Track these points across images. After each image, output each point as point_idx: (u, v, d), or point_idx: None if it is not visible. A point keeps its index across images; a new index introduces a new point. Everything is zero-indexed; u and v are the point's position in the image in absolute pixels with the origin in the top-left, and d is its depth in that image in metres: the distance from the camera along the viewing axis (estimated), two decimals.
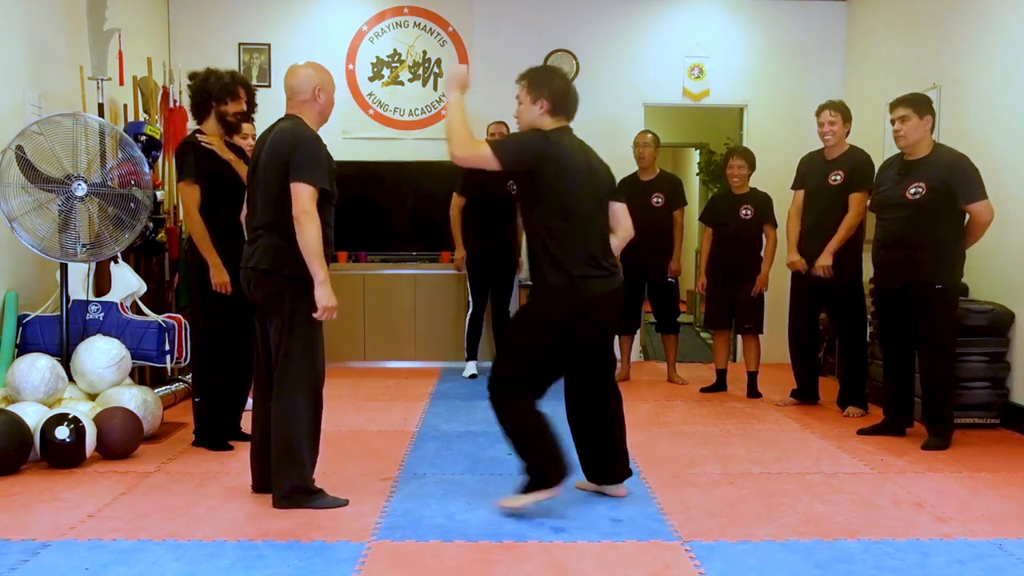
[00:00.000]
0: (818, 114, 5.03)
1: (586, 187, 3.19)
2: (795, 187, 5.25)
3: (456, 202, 6.14)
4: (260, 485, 3.39)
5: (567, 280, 3.13)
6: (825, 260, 4.87)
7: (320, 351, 3.26)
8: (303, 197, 3.08)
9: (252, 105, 4.12)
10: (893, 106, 4.33)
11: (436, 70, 6.95)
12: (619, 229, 3.37)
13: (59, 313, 4.32)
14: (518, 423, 3.18)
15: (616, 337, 6.21)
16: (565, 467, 3.18)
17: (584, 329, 3.19)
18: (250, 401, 4.44)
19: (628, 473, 3.43)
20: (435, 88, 6.98)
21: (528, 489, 3.17)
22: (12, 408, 3.79)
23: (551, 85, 3.24)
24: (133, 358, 4.35)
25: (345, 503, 3.26)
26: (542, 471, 3.17)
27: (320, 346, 3.26)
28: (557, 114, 3.24)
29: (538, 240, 3.20)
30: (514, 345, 3.25)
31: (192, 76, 4.07)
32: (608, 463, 3.41)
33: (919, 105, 4.25)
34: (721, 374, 5.77)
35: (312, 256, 3.08)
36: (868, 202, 4.78)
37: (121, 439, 3.88)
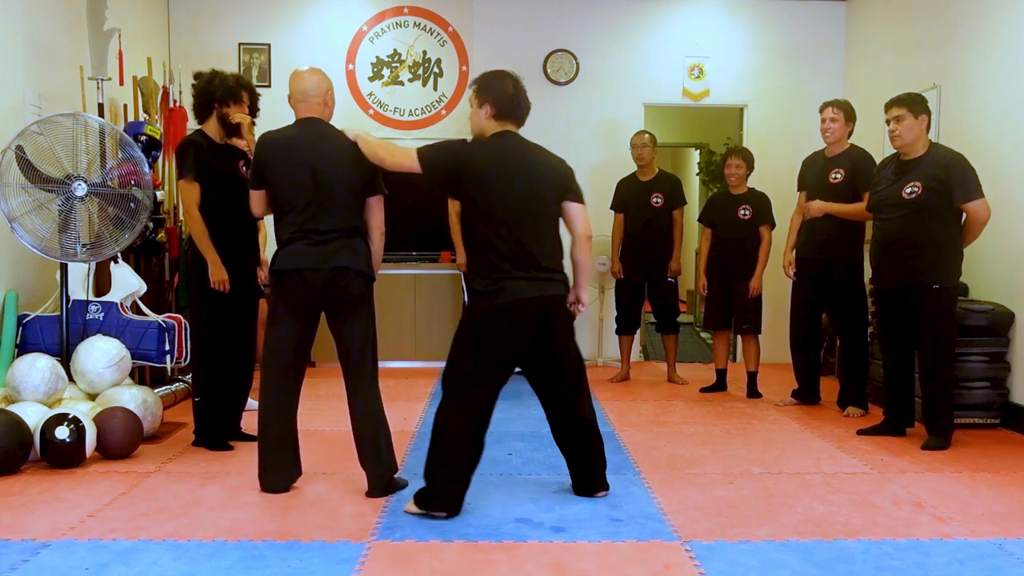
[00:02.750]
0: (821, 111, 5.07)
1: (517, 191, 3.11)
2: (798, 189, 5.28)
3: (453, 207, 6.12)
4: (281, 484, 3.42)
5: (486, 283, 3.11)
6: (820, 208, 4.89)
7: None
8: (383, 211, 3.38)
9: (254, 109, 4.10)
10: (888, 106, 4.34)
11: (436, 70, 6.95)
12: (571, 231, 3.29)
13: (59, 313, 4.32)
14: (440, 427, 3.17)
15: (617, 337, 6.26)
16: (454, 502, 3.14)
17: (507, 334, 3.10)
18: (251, 401, 4.46)
19: (604, 484, 3.42)
20: (435, 88, 6.98)
21: (421, 503, 3.16)
22: (12, 408, 3.79)
23: (496, 90, 3.21)
24: (133, 358, 4.35)
25: (406, 484, 3.43)
26: (432, 491, 3.16)
27: None
28: (502, 119, 3.21)
29: (465, 242, 3.26)
30: (453, 351, 3.22)
31: (197, 76, 4.06)
32: (581, 479, 3.42)
33: (914, 105, 4.26)
34: (721, 374, 5.77)
35: (380, 262, 3.48)
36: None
37: (121, 439, 3.88)
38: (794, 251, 5.24)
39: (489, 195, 3.12)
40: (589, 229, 3.30)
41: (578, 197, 3.28)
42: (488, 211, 3.12)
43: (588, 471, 3.40)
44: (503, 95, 3.20)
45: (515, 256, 3.09)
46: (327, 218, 3.28)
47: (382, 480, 3.37)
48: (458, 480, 3.17)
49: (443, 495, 3.15)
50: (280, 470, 3.43)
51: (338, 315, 3.35)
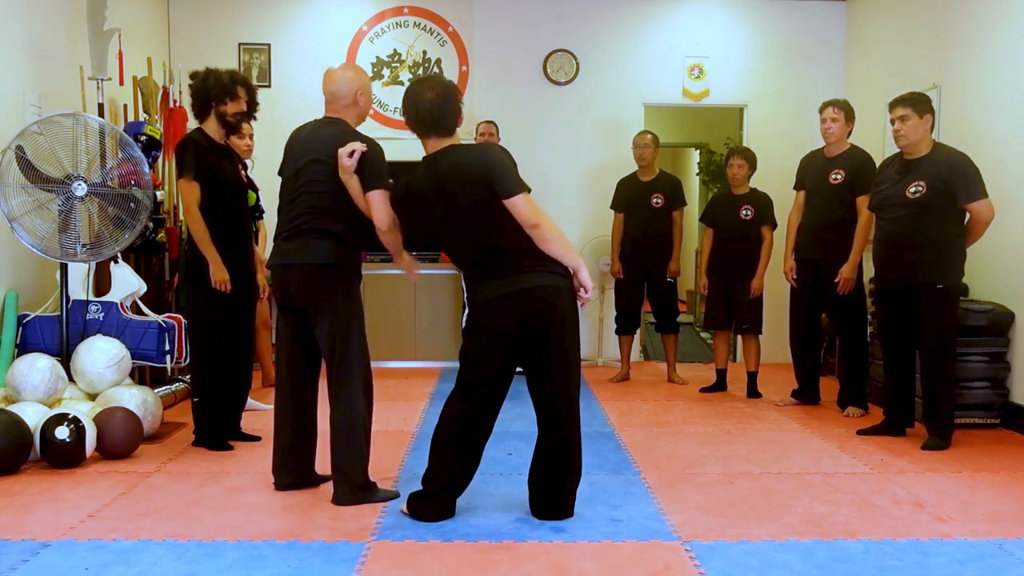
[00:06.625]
0: (821, 111, 5.07)
1: (439, 207, 3.00)
2: (796, 188, 5.28)
3: None
4: (292, 481, 3.42)
5: (466, 290, 3.15)
6: (849, 273, 4.85)
7: None
8: (382, 206, 3.24)
9: (253, 105, 4.09)
10: (893, 106, 4.33)
11: (436, 70, 6.95)
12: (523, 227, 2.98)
13: (59, 313, 4.32)
14: (434, 431, 3.13)
15: (617, 337, 6.26)
16: (439, 509, 3.09)
17: (479, 334, 3.04)
18: (250, 401, 4.46)
19: (560, 513, 3.13)
20: None
21: (409, 506, 3.14)
22: (12, 408, 3.79)
23: (403, 109, 3.10)
24: (133, 358, 4.35)
25: (397, 495, 3.31)
26: (420, 495, 3.12)
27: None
28: (418, 134, 3.08)
29: None
30: None
31: (193, 76, 4.05)
32: (539, 497, 3.16)
33: (919, 104, 4.25)
34: (721, 374, 5.77)
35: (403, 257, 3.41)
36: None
37: (121, 439, 3.88)
38: (794, 253, 5.24)
39: (429, 220, 3.06)
40: (534, 217, 2.91)
41: (508, 190, 2.91)
42: (438, 233, 3.09)
43: (553, 486, 3.13)
44: (405, 113, 3.10)
45: (481, 263, 3.03)
46: (297, 213, 3.28)
47: (343, 487, 3.26)
48: (444, 488, 3.11)
49: (430, 501, 3.11)
50: (285, 467, 3.43)
51: (309, 312, 3.31)
